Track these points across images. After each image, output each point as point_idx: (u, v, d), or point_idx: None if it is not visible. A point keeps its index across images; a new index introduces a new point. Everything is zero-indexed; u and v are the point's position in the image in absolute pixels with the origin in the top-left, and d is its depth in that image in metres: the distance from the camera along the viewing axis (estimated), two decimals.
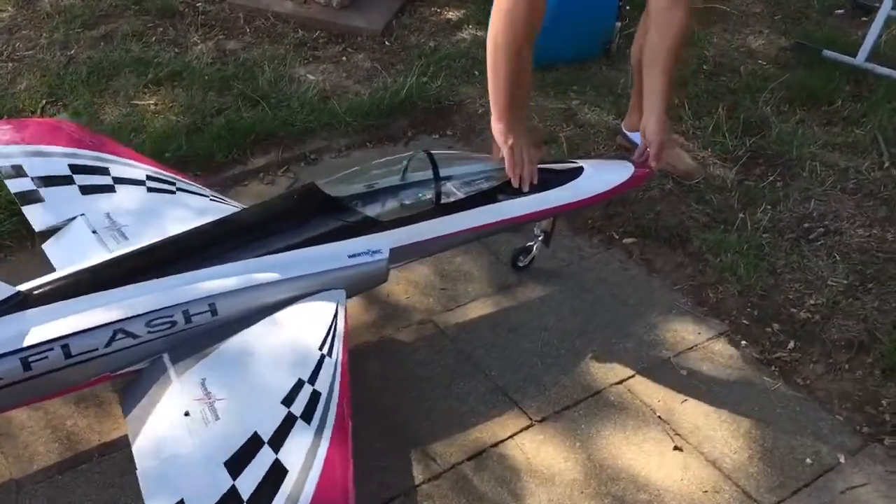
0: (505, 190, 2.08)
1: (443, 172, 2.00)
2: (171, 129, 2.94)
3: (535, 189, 2.08)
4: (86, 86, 3.20)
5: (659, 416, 2.07)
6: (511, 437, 1.98)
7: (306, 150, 2.95)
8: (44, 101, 3.12)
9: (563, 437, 2.00)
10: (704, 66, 3.53)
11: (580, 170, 2.15)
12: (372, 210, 1.97)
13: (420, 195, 2.00)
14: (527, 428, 2.01)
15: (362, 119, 3.04)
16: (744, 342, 2.31)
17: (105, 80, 3.25)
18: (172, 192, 2.15)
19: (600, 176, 2.19)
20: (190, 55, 3.42)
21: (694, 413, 2.08)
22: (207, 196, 2.18)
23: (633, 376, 2.15)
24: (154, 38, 3.55)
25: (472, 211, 2.04)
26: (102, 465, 1.87)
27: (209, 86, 3.23)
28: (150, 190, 2.15)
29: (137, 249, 1.89)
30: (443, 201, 2.00)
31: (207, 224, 1.96)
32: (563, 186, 2.12)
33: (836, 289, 2.45)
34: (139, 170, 2.22)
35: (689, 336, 2.32)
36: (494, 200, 2.06)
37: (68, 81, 3.22)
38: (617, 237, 2.64)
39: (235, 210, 2.10)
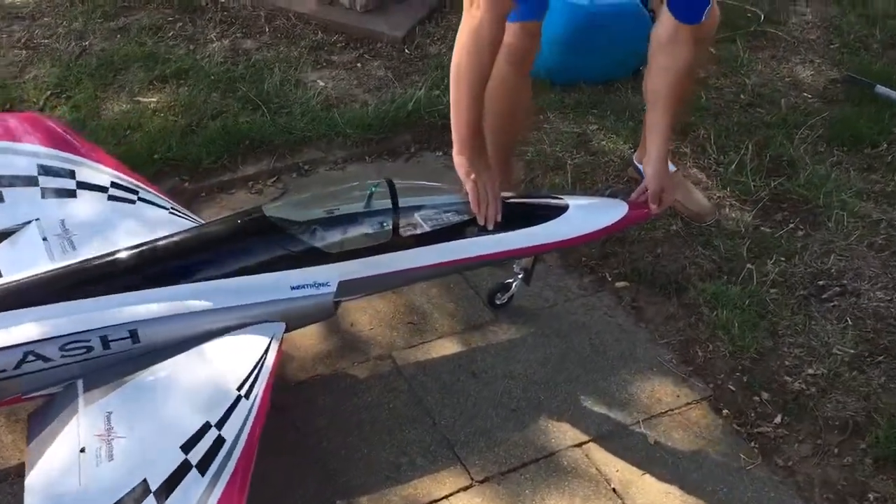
0: (471, 227, 1.99)
1: (403, 203, 1.92)
2: (167, 129, 2.90)
3: (504, 227, 1.98)
4: (92, 79, 3.18)
5: (613, 489, 1.91)
6: (446, 497, 1.87)
7: (300, 161, 2.88)
8: (48, 93, 3.12)
9: (501, 501, 1.86)
10: (742, 96, 3.32)
11: (563, 208, 2.04)
12: (321, 239, 1.89)
13: (376, 226, 1.92)
14: (466, 488, 1.89)
15: (363, 131, 2.96)
16: (726, 411, 2.14)
17: (112, 74, 3.23)
18: (132, 203, 2.11)
19: (586, 216, 2.07)
20: (202, 53, 3.37)
21: (653, 489, 1.92)
22: (168, 209, 2.13)
23: (593, 439, 2.01)
24: (171, 33, 3.51)
25: (432, 247, 1.95)
26: (15, 488, 1.80)
27: (214, 86, 3.17)
28: (110, 198, 2.10)
29: (64, 266, 1.85)
30: (401, 235, 1.91)
31: (142, 244, 1.89)
32: (540, 226, 2.02)
33: (840, 358, 2.25)
34: (105, 175, 2.17)
35: (666, 398, 2.16)
36: (458, 237, 1.96)
37: (76, 73, 3.21)
38: (609, 279, 2.49)
39: (187, 227, 2.05)
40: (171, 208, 2.13)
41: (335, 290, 1.85)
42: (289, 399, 2.03)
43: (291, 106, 3.06)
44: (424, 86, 3.20)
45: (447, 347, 2.24)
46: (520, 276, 2.23)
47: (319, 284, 1.85)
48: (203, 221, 2.12)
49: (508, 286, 2.29)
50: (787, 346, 2.29)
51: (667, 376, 2.20)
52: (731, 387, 2.18)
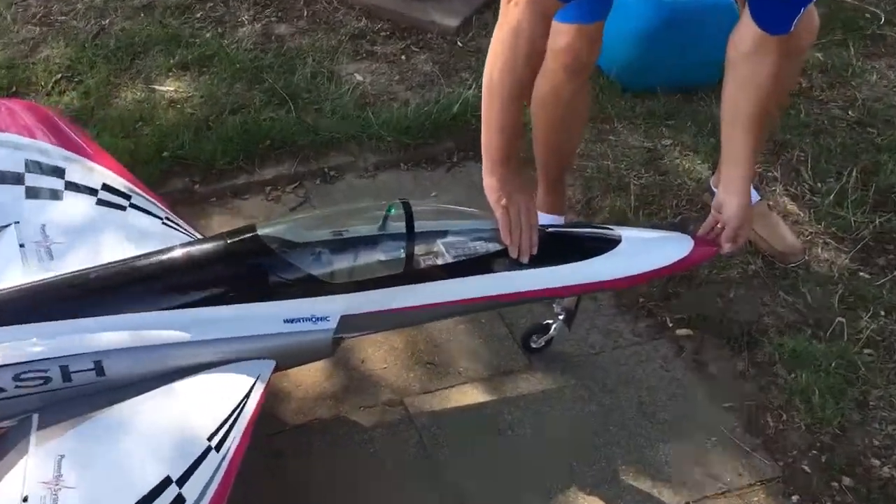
0: (502, 259, 1.91)
1: (420, 228, 1.85)
2: (181, 122, 2.89)
3: (541, 261, 1.90)
4: (107, 62, 3.18)
5: None
6: None
7: (326, 166, 2.85)
8: (58, 76, 3.13)
9: None
10: (850, 112, 3.14)
11: (615, 241, 1.96)
12: (323, 266, 1.83)
13: (387, 254, 1.86)
14: None
15: (400, 134, 2.91)
16: (796, 497, 1.99)
17: (130, 58, 3.23)
18: (123, 209, 2.08)
19: (641, 252, 1.98)
20: (230, 37, 3.34)
21: None
22: (161, 218, 2.10)
23: None
24: (199, 14, 3.50)
25: (452, 281, 1.87)
26: None
27: (238, 76, 3.14)
28: (99, 202, 2.08)
29: (27, 284, 1.81)
30: (416, 266, 1.85)
31: (118, 262, 1.84)
32: (584, 262, 1.93)
33: None
34: (97, 176, 2.15)
35: (724, 475, 2.03)
36: (483, 271, 1.89)
37: (91, 55, 3.21)
38: (669, 325, 2.38)
39: (179, 242, 1.99)
40: (165, 218, 2.11)
41: (336, 325, 1.81)
42: (282, 444, 2.02)
43: (322, 102, 3.03)
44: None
45: (469, 395, 2.18)
46: (561, 318, 2.14)
47: (318, 318, 1.80)
48: (199, 235, 2.10)
49: (547, 328, 2.21)
50: (879, 422, 2.14)
51: (728, 449, 2.07)
52: (806, 467, 2.04)
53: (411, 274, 1.84)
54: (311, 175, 2.83)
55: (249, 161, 2.82)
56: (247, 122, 2.90)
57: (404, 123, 2.94)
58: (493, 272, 1.89)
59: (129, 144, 2.75)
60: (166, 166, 2.75)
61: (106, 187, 2.11)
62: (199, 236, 2.09)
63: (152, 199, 2.15)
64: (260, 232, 1.86)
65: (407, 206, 1.86)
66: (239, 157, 2.81)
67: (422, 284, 1.85)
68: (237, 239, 1.88)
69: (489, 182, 1.90)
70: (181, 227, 2.11)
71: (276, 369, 1.78)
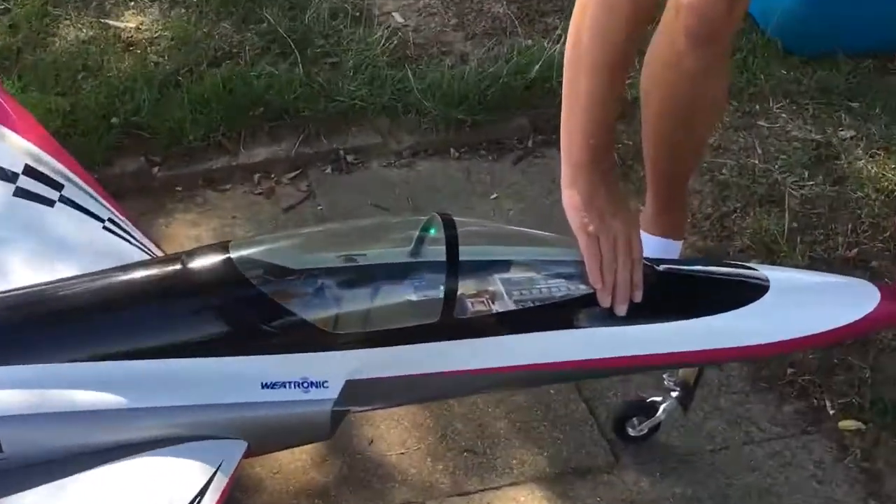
0: (587, 309, 1.90)
1: (469, 256, 1.86)
2: (139, 75, 2.93)
3: (646, 313, 1.89)
4: None
5: None
6: None
7: (342, 147, 2.88)
8: None
9: None
10: None
11: (760, 287, 1.94)
12: (323, 307, 1.85)
13: (418, 294, 1.87)
14: None
15: (451, 106, 2.92)
16: None
17: None
18: (51, 204, 2.14)
19: (800, 306, 1.97)
20: None
21: None
22: (102, 220, 2.15)
23: None
24: None
25: (511, 339, 1.87)
26: None
27: (227, 10, 3.17)
28: (18, 193, 2.13)
29: None
30: (459, 312, 1.84)
31: (28, 288, 1.87)
32: (713, 317, 1.91)
33: None
34: (17, 152, 2.19)
35: None
36: (560, 325, 1.89)
37: None
38: (831, 412, 2.35)
39: (120, 262, 2.01)
40: (108, 220, 2.15)
41: (338, 394, 1.81)
42: None
43: (341, 54, 3.05)
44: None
45: (525, 502, 2.15)
46: (674, 395, 2.14)
47: (311, 383, 1.81)
48: (151, 247, 2.14)
49: (653, 408, 2.21)
50: None
51: None
52: None
53: (452, 324, 1.83)
54: (319, 160, 2.86)
55: (233, 136, 2.84)
56: (232, 78, 2.91)
57: (459, 90, 2.94)
58: (575, 327, 1.89)
59: (66, 104, 2.79)
60: (115, 138, 2.78)
61: (30, 172, 2.16)
62: (151, 248, 2.14)
63: (93, 191, 2.19)
64: (234, 254, 1.85)
65: (450, 224, 1.85)
66: (218, 130, 2.83)
67: (467, 341, 1.85)
68: (201, 263, 1.87)
69: (570, 196, 1.90)
70: (129, 234, 2.15)
71: (248, 454, 1.79)
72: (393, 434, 2.28)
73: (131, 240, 2.13)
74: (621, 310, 1.86)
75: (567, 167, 1.91)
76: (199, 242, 2.56)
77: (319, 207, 2.78)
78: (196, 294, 1.86)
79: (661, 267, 1.96)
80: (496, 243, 2.00)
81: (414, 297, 1.86)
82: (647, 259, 1.91)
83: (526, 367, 1.89)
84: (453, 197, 2.80)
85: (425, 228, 1.89)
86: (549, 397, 2.35)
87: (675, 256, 2.45)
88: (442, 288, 1.83)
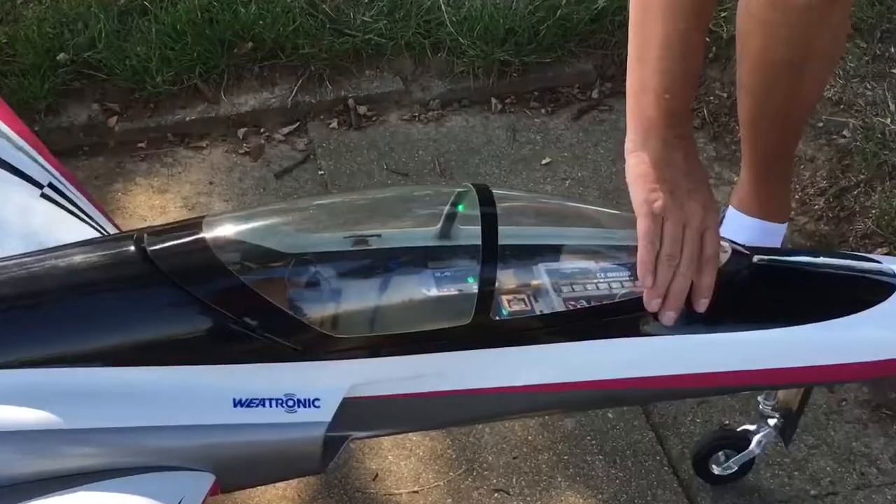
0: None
1: (510, 241, 1.87)
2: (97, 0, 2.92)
3: (734, 317, 1.91)
4: None
5: None
6: None
7: (353, 95, 2.89)
8: None
9: None
10: None
11: (889, 287, 1.96)
12: (318, 302, 1.85)
13: (439, 290, 1.87)
14: None
15: (493, 45, 2.92)
16: None
17: None
18: None
19: None
20: None
21: None
22: (41, 187, 2.19)
23: None
24: None
25: (561, 348, 1.88)
26: None
27: None
28: None
29: None
30: (496, 313, 1.84)
31: None
32: (823, 324, 1.92)
33: None
34: None
35: None
36: (628, 331, 1.90)
37: None
38: None
39: (63, 240, 2.03)
40: (48, 185, 2.17)
41: (332, 416, 1.80)
42: None
43: None
44: None
45: None
46: (771, 423, 2.15)
47: (298, 402, 1.80)
48: (104, 222, 2.16)
49: (745, 440, 2.21)
50: None
51: None
52: None
53: (487, 329, 1.83)
54: (321, 111, 2.88)
55: (212, 79, 2.86)
56: (213, 4, 2.91)
57: (504, 23, 2.93)
58: (645, 335, 1.90)
59: (0, 35, 2.79)
60: (62, 79, 2.78)
61: None
62: (103, 224, 2.15)
63: (29, 148, 2.22)
64: (209, 233, 1.84)
65: (488, 198, 1.83)
66: (194, 71, 2.84)
67: (505, 350, 1.85)
68: (164, 243, 1.86)
69: (635, 164, 1.88)
70: (75, 205, 2.17)
71: (217, 489, 1.79)
72: (404, 467, 2.29)
73: (77, 212, 2.14)
74: (668, 318, 1.85)
75: (633, 129, 1.89)
76: (166, 215, 2.62)
77: (321, 172, 2.77)
78: (154, 283, 1.84)
79: (758, 258, 1.94)
80: (547, 223, 2.01)
81: (438, 293, 1.86)
82: (741, 246, 1.91)
83: (579, 385, 1.89)
84: (493, 161, 2.79)
85: (456, 203, 1.87)
86: (605, 423, 2.36)
87: (778, 243, 2.47)
88: (475, 281, 1.82)
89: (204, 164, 2.77)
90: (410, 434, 2.26)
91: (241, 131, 2.83)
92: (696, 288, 1.86)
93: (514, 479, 2.28)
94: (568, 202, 2.41)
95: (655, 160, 1.87)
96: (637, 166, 1.88)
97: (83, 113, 2.79)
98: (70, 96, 2.80)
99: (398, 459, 2.29)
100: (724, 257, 1.91)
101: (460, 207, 1.87)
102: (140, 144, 2.78)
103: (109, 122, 2.79)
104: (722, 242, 1.90)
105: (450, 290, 1.87)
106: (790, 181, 2.55)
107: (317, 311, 1.84)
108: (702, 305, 1.85)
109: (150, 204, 2.68)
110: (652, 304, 1.84)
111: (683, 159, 1.88)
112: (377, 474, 2.27)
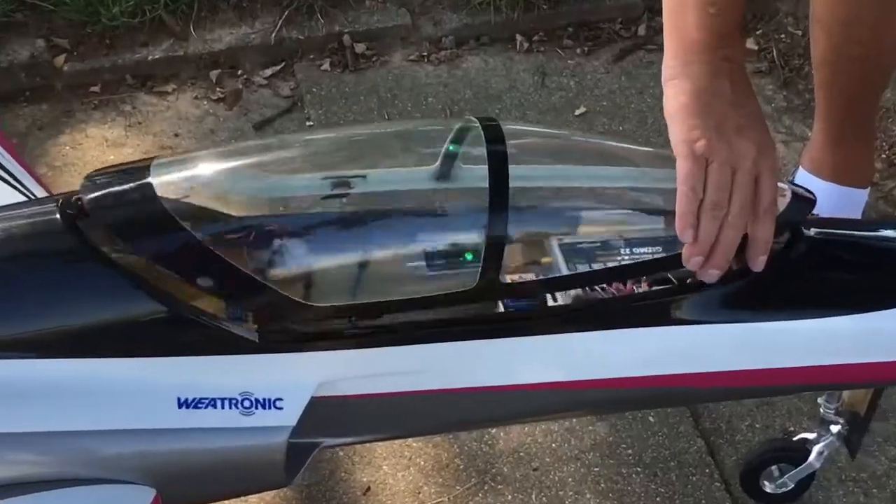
0: (707, 292, 1.80)
1: (522, 181, 1.75)
2: None
3: (789, 302, 1.83)
4: None
5: None
6: None
7: (350, 30, 2.94)
8: None
9: None
10: None
11: None
12: (285, 270, 1.72)
13: (435, 254, 1.74)
14: None
15: None
16: None
17: None
18: None
19: None
20: None
21: None
22: None
23: None
24: None
25: (591, 336, 1.77)
26: None
27: None
28: None
29: None
30: (505, 287, 1.72)
31: None
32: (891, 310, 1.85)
33: None
34: None
35: None
36: (669, 317, 1.79)
37: None
38: None
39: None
40: None
41: (297, 419, 1.73)
42: None
43: None
44: None
45: None
46: (835, 430, 2.13)
47: (256, 401, 1.74)
48: (33, 184, 2.16)
49: (803, 450, 2.20)
50: None
51: None
52: None
53: (493, 294, 1.72)
54: (311, 49, 2.94)
55: (179, 10, 2.91)
56: None
57: None
58: (690, 322, 1.79)
59: None
60: (2, 10, 2.82)
61: None
62: (32, 188, 2.15)
63: None
64: (156, 178, 1.70)
65: (496, 134, 1.72)
66: (158, 1, 2.87)
67: (513, 339, 1.75)
68: (101, 191, 1.73)
69: (675, 94, 1.77)
70: (11, 164, 2.18)
71: None
72: (401, 480, 2.29)
73: (5, 174, 2.16)
74: (710, 276, 1.73)
75: (672, 52, 1.80)
76: None
77: (309, 123, 2.79)
78: (81, 259, 1.73)
79: (827, 230, 1.86)
80: (569, 160, 1.89)
81: (435, 257, 1.73)
82: (804, 189, 1.81)
83: (613, 382, 1.80)
84: (517, 111, 2.81)
85: (457, 140, 1.76)
86: (646, 427, 2.37)
87: (858, 213, 2.46)
88: (480, 239, 1.67)
89: (169, 113, 2.78)
90: (411, 440, 2.27)
91: (213, 73, 2.86)
92: (752, 242, 1.74)
93: (533, 496, 2.27)
94: (592, 137, 2.31)
95: (698, 90, 1.79)
96: (676, 97, 1.78)
97: (25, 50, 2.78)
98: (10, 30, 2.83)
99: (395, 470, 2.30)
100: (783, 203, 1.78)
101: (452, 147, 1.77)
102: (93, 88, 2.78)
103: (56, 60, 2.78)
104: (780, 185, 1.79)
105: (451, 254, 1.73)
106: (874, 137, 2.54)
107: (279, 287, 1.69)
108: (759, 264, 1.74)
109: (104, 160, 2.63)
110: (693, 262, 1.73)
111: (731, 88, 1.79)
112: (369, 487, 2.27)
